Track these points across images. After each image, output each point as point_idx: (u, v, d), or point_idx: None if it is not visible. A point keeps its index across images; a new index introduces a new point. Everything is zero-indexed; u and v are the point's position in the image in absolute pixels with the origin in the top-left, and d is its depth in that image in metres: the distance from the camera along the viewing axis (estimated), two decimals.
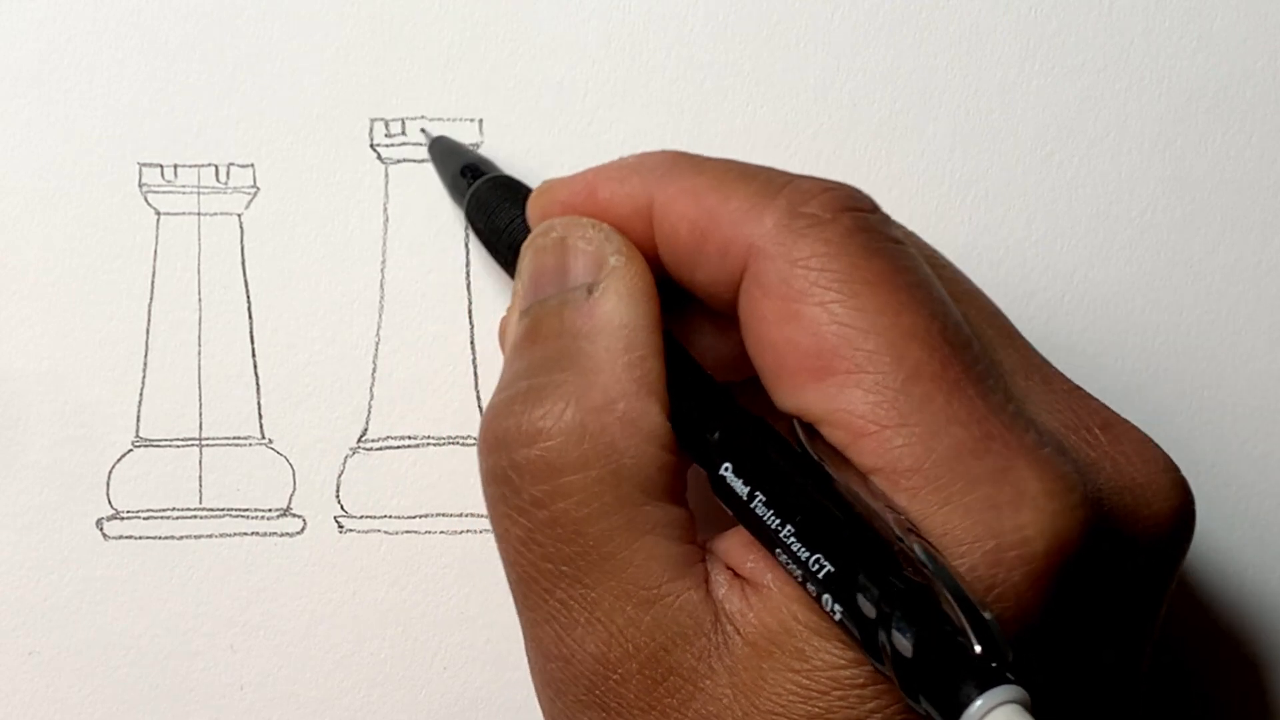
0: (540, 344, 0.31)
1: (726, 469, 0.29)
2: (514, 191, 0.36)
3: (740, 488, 0.28)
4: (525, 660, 0.40)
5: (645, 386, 0.29)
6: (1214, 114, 0.41)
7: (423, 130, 0.40)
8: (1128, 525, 0.29)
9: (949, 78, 0.41)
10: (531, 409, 0.29)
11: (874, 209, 0.30)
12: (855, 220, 0.28)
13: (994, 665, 0.24)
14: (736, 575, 0.29)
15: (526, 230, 0.34)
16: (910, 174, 0.41)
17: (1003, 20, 0.41)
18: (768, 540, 0.27)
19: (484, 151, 0.41)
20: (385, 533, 0.40)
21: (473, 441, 0.40)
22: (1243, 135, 0.41)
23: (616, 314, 0.30)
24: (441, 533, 0.40)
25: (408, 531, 0.40)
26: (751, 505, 0.28)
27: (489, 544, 0.40)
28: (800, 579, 0.27)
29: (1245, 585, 0.41)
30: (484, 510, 0.40)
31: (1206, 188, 0.41)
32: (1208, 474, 0.41)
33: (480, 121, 0.41)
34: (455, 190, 0.38)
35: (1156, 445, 0.31)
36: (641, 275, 0.30)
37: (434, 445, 0.40)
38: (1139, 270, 0.41)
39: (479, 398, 0.41)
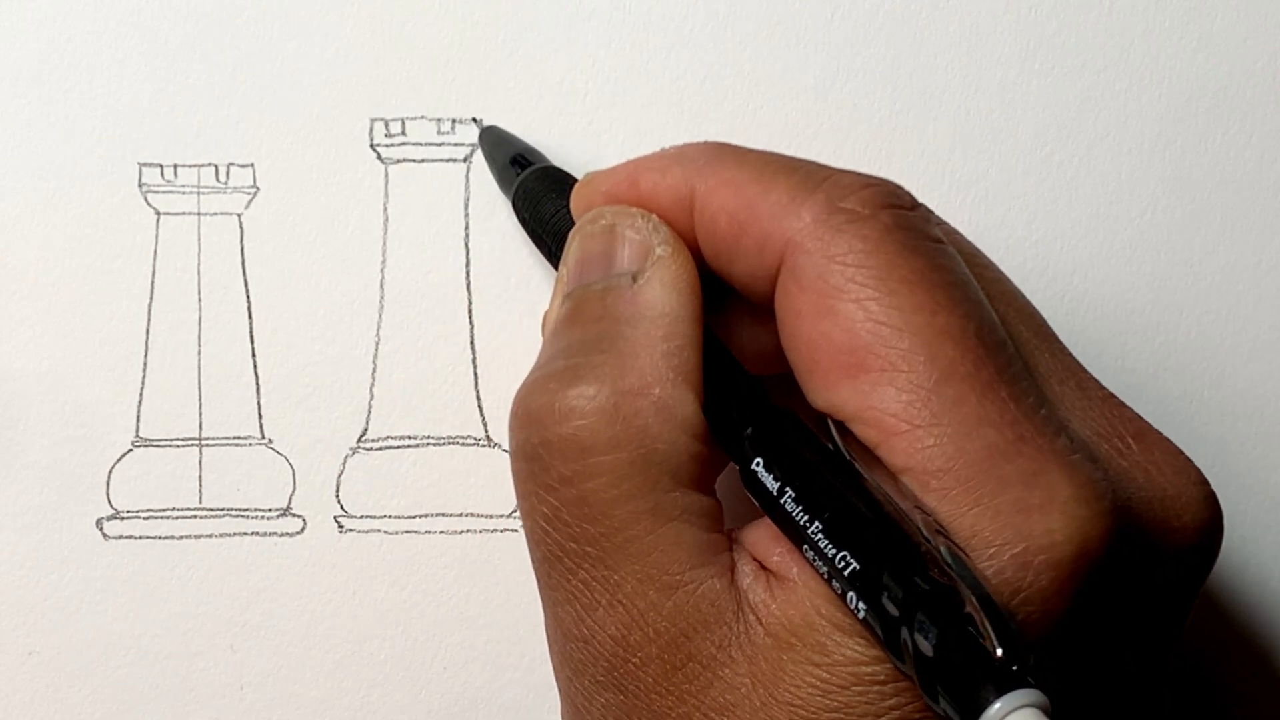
0: (580, 326, 0.31)
1: (758, 463, 0.29)
2: (560, 182, 0.36)
3: (770, 483, 0.29)
4: (525, 661, 0.40)
5: (682, 375, 0.29)
6: (1214, 114, 0.41)
7: (474, 120, 0.40)
8: (1156, 535, 0.29)
9: (949, 78, 0.41)
10: (566, 388, 0.29)
11: (914, 206, 0.30)
12: (894, 217, 0.28)
13: (1014, 668, 0.24)
14: (762, 567, 0.29)
15: (571, 221, 0.34)
16: (910, 174, 0.41)
17: (1003, 20, 0.41)
18: (795, 536, 0.28)
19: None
20: (385, 533, 0.40)
21: (472, 441, 0.40)
22: (1243, 135, 0.41)
23: (659, 302, 0.30)
24: (441, 533, 0.40)
25: (408, 531, 0.40)
26: (781, 500, 0.28)
27: (489, 544, 0.40)
28: (826, 575, 0.27)
29: (1245, 584, 0.41)
30: (484, 511, 0.40)
31: (1206, 188, 0.41)
32: (1208, 474, 0.41)
33: (480, 121, 0.41)
34: (504, 180, 0.38)
35: (1188, 458, 0.31)
36: (686, 267, 0.31)
37: (434, 445, 0.40)
38: (1139, 270, 0.41)
39: (479, 398, 0.41)
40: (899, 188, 0.30)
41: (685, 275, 0.31)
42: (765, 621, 0.28)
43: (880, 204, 0.29)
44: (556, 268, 0.34)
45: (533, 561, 0.31)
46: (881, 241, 0.28)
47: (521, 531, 0.40)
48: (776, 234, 0.29)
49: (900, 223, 0.28)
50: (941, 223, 0.31)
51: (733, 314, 0.33)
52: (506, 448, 0.40)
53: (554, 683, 0.40)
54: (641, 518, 0.29)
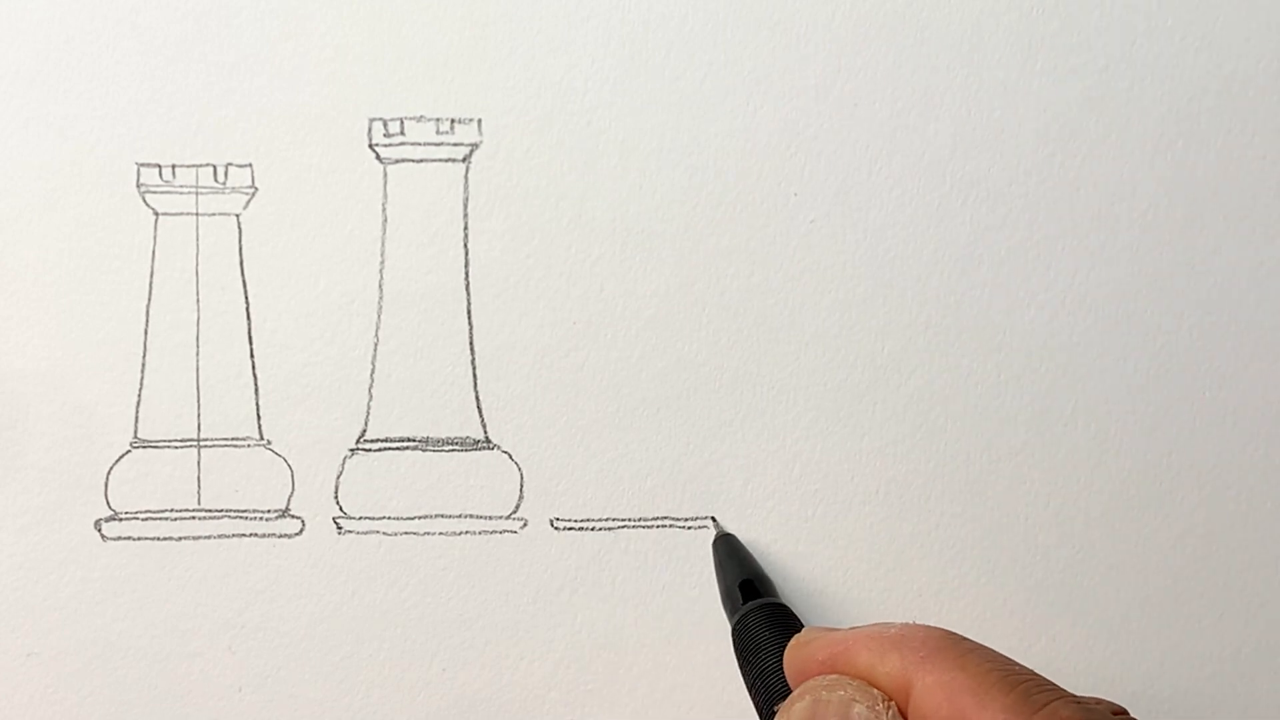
0: None
1: None
2: (781, 626, 0.36)
3: None
4: (523, 661, 0.40)
5: None
6: (1215, 114, 0.41)
7: (713, 520, 0.41)
8: None
9: (949, 78, 0.41)
10: None
11: None
12: None
13: None
14: None
15: (780, 671, 0.34)
16: (910, 174, 0.41)
17: (1003, 20, 0.41)
18: None
19: (483, 151, 0.41)
20: (384, 534, 0.40)
21: (471, 443, 0.40)
22: (1243, 135, 0.41)
23: None
24: (440, 534, 0.40)
25: (406, 533, 0.40)
26: None
27: (488, 545, 0.40)
28: None
29: (1246, 586, 0.41)
30: (483, 512, 0.40)
31: (1207, 188, 0.41)
32: (1208, 474, 0.41)
33: (479, 121, 0.41)
34: (728, 600, 0.39)
35: None
36: None
37: (433, 446, 0.40)
38: (1140, 270, 0.41)
39: (478, 398, 0.40)
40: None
41: None
42: None
43: None
44: (759, 711, 0.34)
45: None
46: None
47: (520, 532, 0.40)
48: None
49: None
50: None
51: None
52: (505, 449, 0.40)
53: (552, 683, 0.40)
54: None
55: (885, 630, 0.31)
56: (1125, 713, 0.30)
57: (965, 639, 0.31)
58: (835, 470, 0.41)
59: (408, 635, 0.40)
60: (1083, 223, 0.41)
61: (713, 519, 0.41)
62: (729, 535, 0.40)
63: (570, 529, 0.40)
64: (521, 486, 0.40)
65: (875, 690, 0.31)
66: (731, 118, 0.41)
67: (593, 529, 0.41)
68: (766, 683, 0.34)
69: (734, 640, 0.37)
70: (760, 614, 0.37)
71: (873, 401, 0.41)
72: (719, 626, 0.40)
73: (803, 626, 0.35)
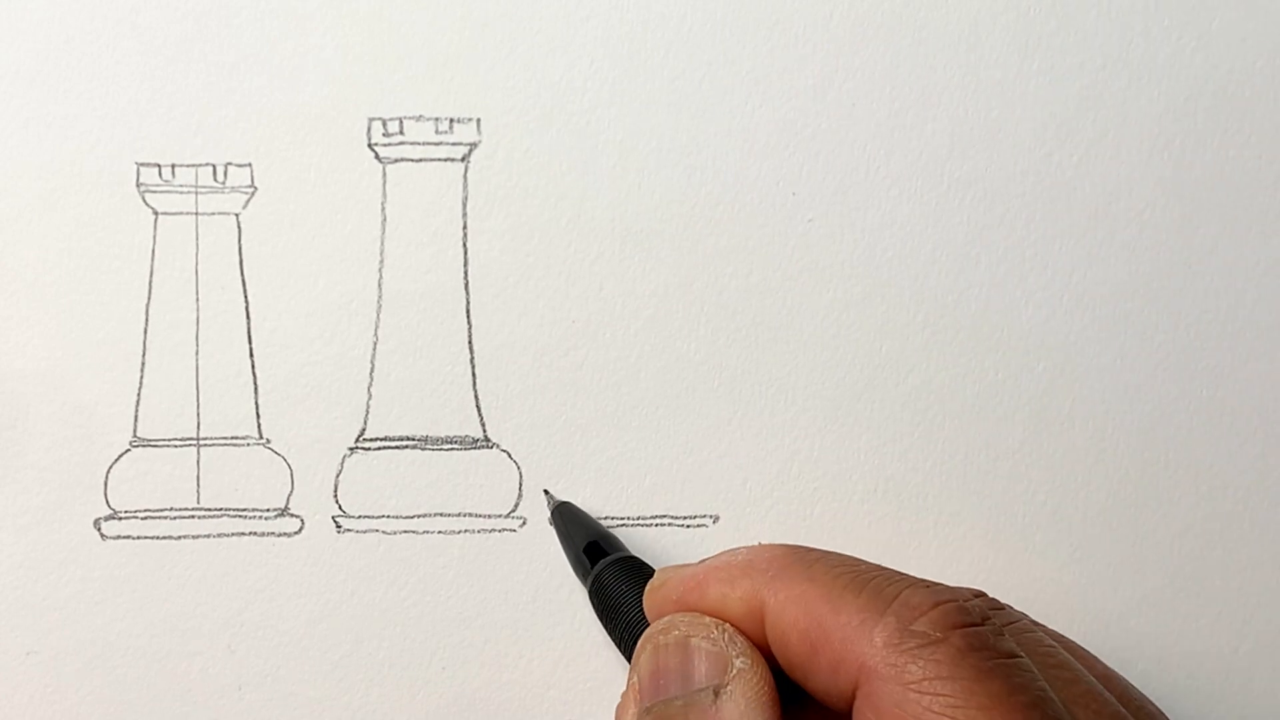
0: None
1: None
2: (635, 577, 0.36)
3: None
4: (523, 661, 0.40)
5: None
6: (1213, 113, 0.41)
7: (546, 492, 0.41)
8: None
9: (947, 77, 0.41)
10: None
11: (985, 620, 0.29)
12: (966, 639, 0.28)
13: None
14: None
15: (644, 622, 0.34)
16: (909, 173, 0.41)
17: (1001, 20, 0.41)
18: None
19: (482, 150, 0.41)
20: (383, 533, 0.40)
21: (470, 441, 0.40)
22: (1242, 135, 0.41)
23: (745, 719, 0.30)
24: (440, 533, 0.40)
25: (406, 531, 0.40)
26: None
27: (487, 544, 0.40)
28: None
29: (1245, 585, 0.41)
30: (482, 511, 0.40)
31: (1206, 188, 0.41)
32: (1206, 472, 0.41)
33: (479, 121, 0.41)
34: (578, 565, 0.39)
35: None
36: (765, 680, 0.31)
37: (432, 445, 0.40)
38: (1137, 269, 0.41)
39: (477, 397, 0.40)
40: (969, 600, 0.30)
41: (765, 688, 0.30)
42: None
43: (951, 624, 0.28)
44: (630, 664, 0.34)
45: None
46: (956, 666, 0.28)
47: (519, 531, 0.40)
48: (849, 657, 0.29)
49: (973, 643, 0.28)
50: (1019, 622, 0.31)
51: (807, 713, 0.32)
52: (504, 448, 0.40)
53: (552, 682, 0.40)
54: None
55: (733, 557, 0.32)
56: (984, 594, 0.30)
57: (812, 549, 0.31)
58: (834, 469, 0.41)
59: (407, 634, 0.40)
60: (1080, 222, 0.41)
61: (545, 491, 0.41)
62: (565, 503, 0.40)
63: None
64: (520, 485, 0.40)
65: (708, 619, 0.31)
66: (730, 117, 0.41)
67: None
68: (631, 634, 0.34)
69: (593, 604, 0.37)
70: (613, 570, 0.36)
71: (871, 400, 0.41)
72: None
73: (654, 572, 0.35)
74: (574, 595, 0.40)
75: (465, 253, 0.41)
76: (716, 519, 0.41)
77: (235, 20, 0.40)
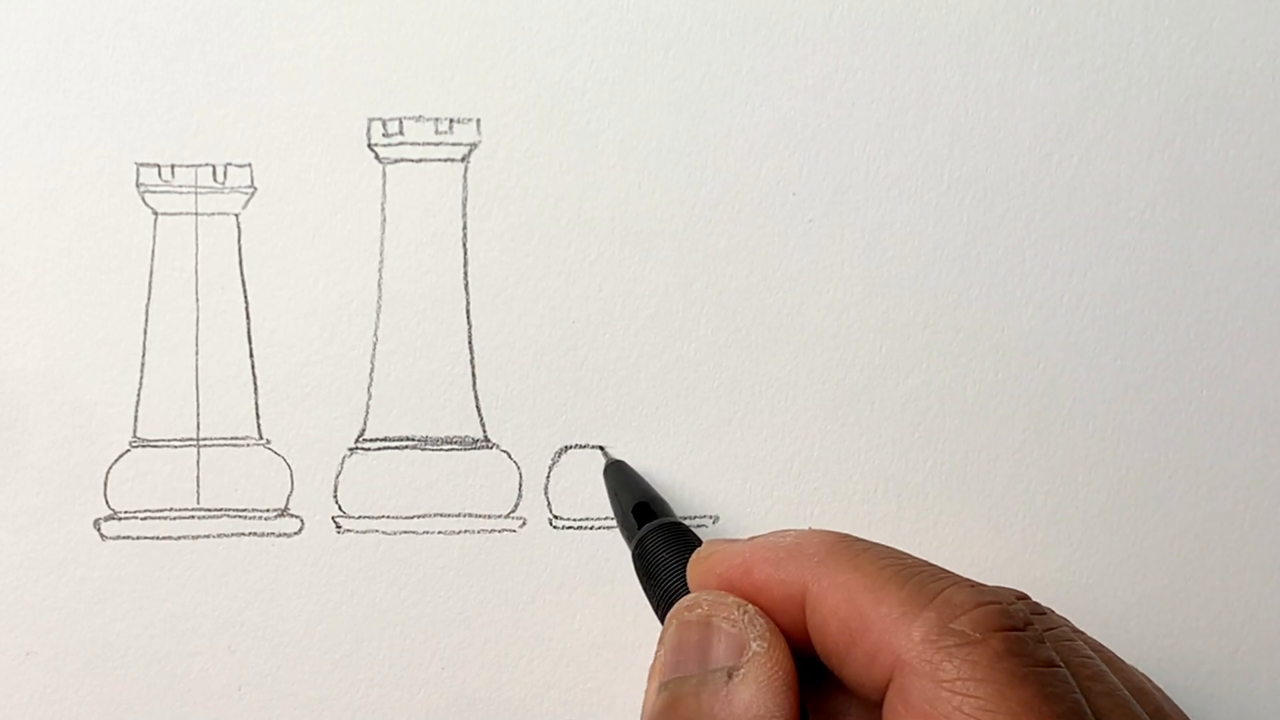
0: None
1: None
2: (680, 543, 0.36)
3: None
4: (523, 661, 0.40)
5: None
6: (1213, 114, 0.41)
7: (601, 449, 0.41)
8: None
9: (947, 77, 0.41)
10: None
11: (1026, 624, 0.29)
12: (1005, 643, 0.28)
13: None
14: None
15: (684, 590, 0.34)
16: (909, 173, 0.41)
17: (1001, 20, 0.41)
18: None
19: (482, 150, 0.41)
20: (383, 533, 0.40)
21: (470, 442, 0.40)
22: (1242, 135, 0.41)
23: (754, 703, 0.30)
24: (440, 533, 0.40)
25: (405, 532, 0.40)
26: None
27: (487, 544, 0.40)
28: None
29: (1245, 585, 0.41)
30: (482, 511, 0.40)
31: (1206, 188, 0.41)
32: (1206, 472, 0.41)
33: (478, 121, 0.41)
34: (625, 526, 0.39)
35: None
36: (782, 664, 0.30)
37: (432, 445, 0.40)
38: (1138, 270, 0.41)
39: (477, 398, 0.40)
40: (1012, 604, 0.29)
41: (781, 672, 0.30)
42: None
43: (992, 626, 0.28)
44: None
45: None
46: (992, 669, 0.27)
47: (519, 531, 0.40)
48: (886, 648, 0.29)
49: (1012, 648, 0.28)
50: (1058, 629, 0.31)
51: (841, 702, 0.32)
52: (504, 448, 0.40)
53: (552, 682, 0.40)
54: None
55: (781, 539, 0.32)
56: (1027, 598, 0.30)
57: (859, 540, 0.31)
58: (834, 469, 0.41)
59: (407, 634, 0.40)
60: (1080, 222, 0.41)
61: (600, 448, 0.41)
62: (618, 461, 0.40)
63: (569, 528, 0.41)
64: (520, 485, 0.40)
65: (731, 600, 0.31)
66: (730, 117, 0.41)
67: (592, 528, 0.41)
68: (670, 602, 0.34)
69: (635, 564, 0.37)
70: (658, 534, 0.36)
71: (871, 400, 0.41)
72: None
73: (699, 543, 0.35)
74: (574, 595, 0.40)
75: (465, 253, 0.41)
76: (716, 519, 0.41)
77: (235, 20, 0.40)
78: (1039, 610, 0.30)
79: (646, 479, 0.40)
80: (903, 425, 0.41)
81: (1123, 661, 0.33)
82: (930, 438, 0.41)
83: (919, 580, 0.29)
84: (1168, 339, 0.41)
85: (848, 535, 0.31)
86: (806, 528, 0.33)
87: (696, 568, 0.33)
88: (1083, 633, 0.32)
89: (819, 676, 0.31)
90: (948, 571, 0.30)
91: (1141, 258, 0.41)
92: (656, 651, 0.32)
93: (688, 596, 0.32)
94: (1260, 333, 0.41)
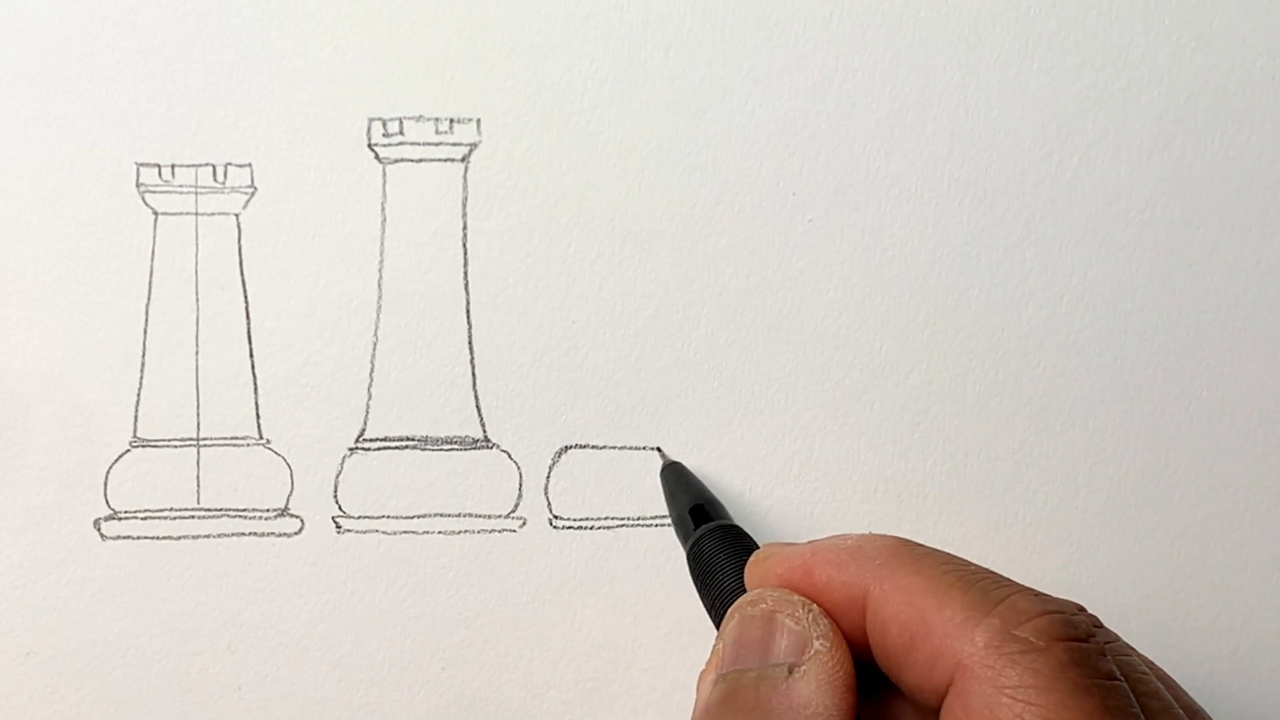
0: (733, 714, 0.30)
1: None
2: (735, 546, 0.36)
3: None
4: (523, 661, 0.40)
5: None
6: (1213, 114, 0.41)
7: (659, 450, 0.41)
8: None
9: (947, 77, 0.41)
10: None
11: (1089, 635, 0.29)
12: (1069, 652, 0.28)
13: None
14: None
15: (741, 591, 0.34)
16: (909, 173, 0.41)
17: (1001, 20, 0.41)
18: None
19: (482, 150, 0.41)
20: (383, 533, 0.40)
21: (470, 442, 0.40)
22: (1242, 135, 0.41)
23: (812, 701, 0.30)
24: (440, 533, 0.40)
25: (406, 532, 0.40)
26: None
27: (487, 544, 0.40)
28: None
29: (1245, 585, 0.41)
30: (482, 511, 0.40)
31: (1206, 188, 0.41)
32: (1206, 472, 0.41)
33: (478, 121, 0.41)
34: (680, 528, 0.39)
35: None
36: (842, 665, 0.30)
37: (432, 445, 0.40)
38: (1138, 270, 0.41)
39: (477, 398, 0.40)
40: (1076, 615, 0.29)
41: (841, 673, 0.30)
42: None
43: (1056, 635, 0.28)
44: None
45: None
46: (1054, 678, 0.27)
47: (519, 531, 0.40)
48: (948, 653, 0.28)
49: (1075, 658, 0.28)
50: (1116, 643, 0.30)
51: (896, 708, 0.32)
52: (504, 448, 0.40)
53: (552, 682, 0.40)
54: None
55: (842, 542, 0.32)
56: (1084, 610, 0.30)
57: (920, 545, 0.31)
58: (834, 469, 0.41)
59: (407, 634, 0.40)
60: (1080, 222, 0.41)
61: (658, 449, 0.41)
62: (676, 463, 0.40)
63: (569, 528, 0.41)
64: (520, 485, 0.40)
65: (796, 598, 0.31)
66: (730, 117, 0.41)
67: (592, 528, 0.41)
68: (725, 603, 0.34)
69: (690, 565, 0.37)
70: (714, 536, 0.36)
71: (871, 400, 0.41)
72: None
73: (755, 546, 0.35)
74: (574, 595, 0.40)
75: (465, 253, 0.41)
76: (662, 450, 0.41)
77: (235, 20, 0.40)
78: (1097, 623, 0.30)
79: (699, 479, 0.40)
80: (903, 425, 0.41)
81: (1173, 680, 0.33)
82: (930, 438, 0.41)
83: (982, 586, 0.29)
84: (1168, 339, 0.41)
85: (908, 540, 0.31)
86: (866, 532, 0.33)
87: (755, 569, 0.33)
88: (1135, 649, 0.32)
89: (873, 684, 0.31)
90: (1010, 580, 0.30)
91: (1141, 258, 0.41)
92: (714, 647, 0.32)
93: (752, 592, 0.32)
94: (1260, 333, 0.41)
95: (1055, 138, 0.41)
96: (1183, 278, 0.41)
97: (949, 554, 0.31)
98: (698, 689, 0.32)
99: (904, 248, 0.41)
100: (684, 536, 0.38)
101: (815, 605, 0.31)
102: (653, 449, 0.41)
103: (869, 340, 0.41)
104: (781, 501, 0.40)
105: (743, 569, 0.34)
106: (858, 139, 0.41)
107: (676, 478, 0.40)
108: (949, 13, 0.41)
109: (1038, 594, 0.29)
